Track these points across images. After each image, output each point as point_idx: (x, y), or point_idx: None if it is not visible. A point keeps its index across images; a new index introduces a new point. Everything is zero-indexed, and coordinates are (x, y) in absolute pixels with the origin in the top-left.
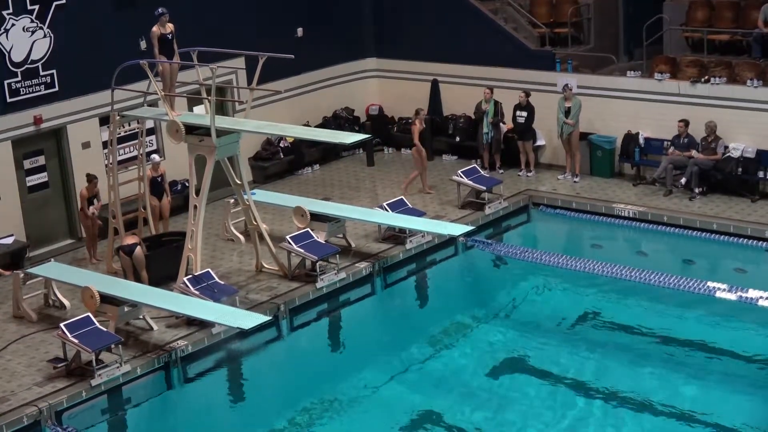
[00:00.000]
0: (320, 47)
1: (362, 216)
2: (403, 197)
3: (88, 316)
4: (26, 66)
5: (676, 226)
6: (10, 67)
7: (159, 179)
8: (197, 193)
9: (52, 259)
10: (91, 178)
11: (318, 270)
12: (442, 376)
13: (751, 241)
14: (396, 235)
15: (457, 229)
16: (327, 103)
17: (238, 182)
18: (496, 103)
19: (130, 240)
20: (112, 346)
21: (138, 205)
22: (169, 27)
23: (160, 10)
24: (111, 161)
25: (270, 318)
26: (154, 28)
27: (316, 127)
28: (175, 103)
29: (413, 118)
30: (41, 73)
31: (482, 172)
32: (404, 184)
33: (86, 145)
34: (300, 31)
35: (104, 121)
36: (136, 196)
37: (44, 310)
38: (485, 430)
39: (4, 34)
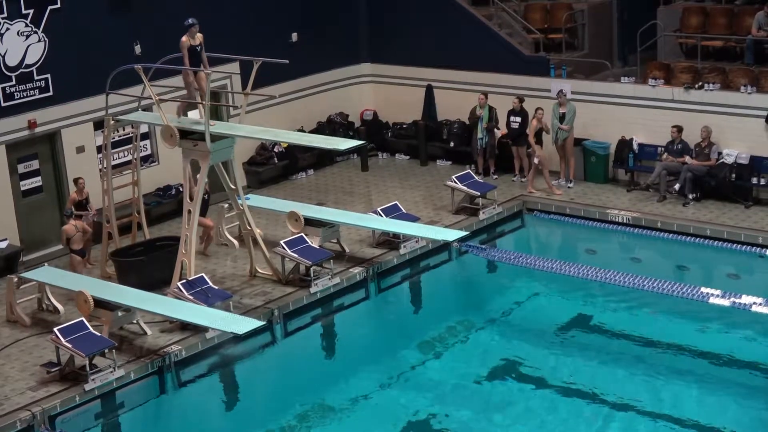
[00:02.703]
0: (315, 52)
1: (356, 221)
2: (396, 202)
3: (82, 320)
4: (21, 70)
5: (670, 231)
6: (4, 71)
7: (206, 197)
8: (191, 197)
9: (46, 264)
10: (77, 180)
11: (312, 275)
12: (436, 381)
13: (744, 246)
14: (390, 240)
15: (451, 235)
16: (321, 108)
17: (233, 187)
18: (491, 109)
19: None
20: (106, 350)
21: (132, 209)
22: (199, 38)
23: (190, 20)
24: (105, 166)
25: (264, 323)
26: (184, 39)
27: (311, 132)
28: (169, 108)
29: (533, 116)
30: (36, 78)
31: (476, 178)
32: (547, 186)
33: (80, 150)
34: (295, 36)
35: (99, 125)
36: (130, 200)
37: (38, 315)
38: None
39: None
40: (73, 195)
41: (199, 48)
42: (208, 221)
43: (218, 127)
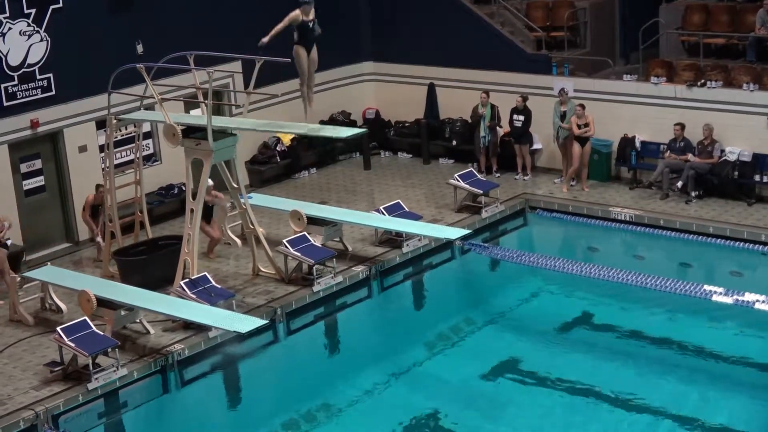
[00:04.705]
0: (317, 51)
1: (359, 220)
2: (399, 201)
3: (85, 319)
4: (23, 70)
5: (673, 229)
6: (6, 70)
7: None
8: (194, 196)
9: (49, 263)
10: (98, 187)
11: (315, 274)
12: (439, 380)
13: (747, 244)
14: (393, 239)
15: (454, 233)
16: (324, 106)
17: (235, 186)
18: (493, 107)
19: None
20: (109, 349)
21: (134, 208)
22: (312, 14)
23: None
24: (108, 165)
25: (266, 322)
26: (297, 12)
27: None
28: (171, 107)
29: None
30: (38, 77)
31: (479, 176)
32: (563, 176)
33: (83, 149)
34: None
35: (101, 124)
36: (133, 199)
37: (41, 314)
38: None
39: (1, 37)
40: (90, 197)
41: (311, 24)
42: (215, 232)
43: (221, 123)
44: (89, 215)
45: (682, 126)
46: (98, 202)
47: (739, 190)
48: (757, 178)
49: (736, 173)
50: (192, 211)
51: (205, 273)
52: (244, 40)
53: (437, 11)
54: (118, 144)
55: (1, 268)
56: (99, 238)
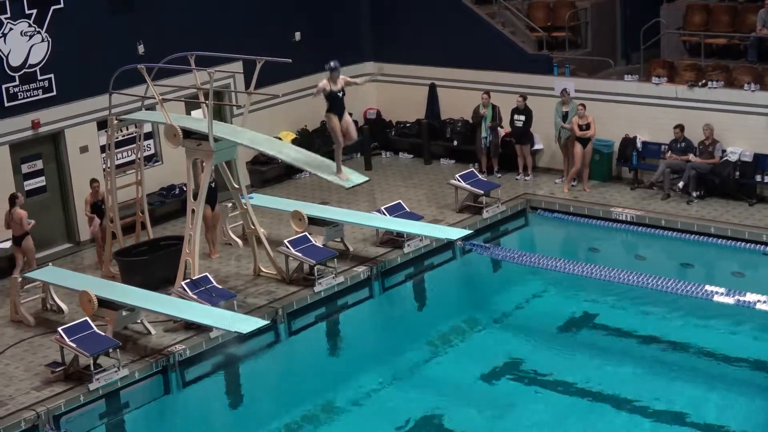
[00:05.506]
0: (318, 51)
1: (360, 220)
2: (400, 201)
3: (86, 320)
4: (24, 70)
5: (674, 229)
6: (8, 71)
7: (213, 184)
8: (195, 197)
9: (50, 263)
10: (92, 182)
11: (316, 274)
12: (440, 380)
13: (748, 244)
14: (394, 239)
15: (455, 233)
16: (325, 106)
17: (236, 186)
18: (494, 108)
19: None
20: (110, 350)
21: (135, 209)
22: (341, 82)
23: (332, 64)
24: (109, 165)
25: (268, 322)
26: (324, 82)
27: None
28: (172, 107)
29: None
30: (39, 78)
31: (480, 176)
32: (564, 177)
33: (84, 149)
34: (298, 35)
35: (102, 125)
36: (134, 200)
37: (42, 315)
38: None
39: (2, 38)
40: (88, 197)
41: (341, 94)
42: (214, 220)
43: (222, 129)
44: (90, 212)
45: (682, 127)
46: (96, 199)
47: (740, 190)
48: (758, 178)
49: (738, 173)
50: (193, 211)
51: (207, 273)
52: (245, 40)
53: (438, 11)
54: (119, 144)
55: (30, 258)
56: (96, 230)
